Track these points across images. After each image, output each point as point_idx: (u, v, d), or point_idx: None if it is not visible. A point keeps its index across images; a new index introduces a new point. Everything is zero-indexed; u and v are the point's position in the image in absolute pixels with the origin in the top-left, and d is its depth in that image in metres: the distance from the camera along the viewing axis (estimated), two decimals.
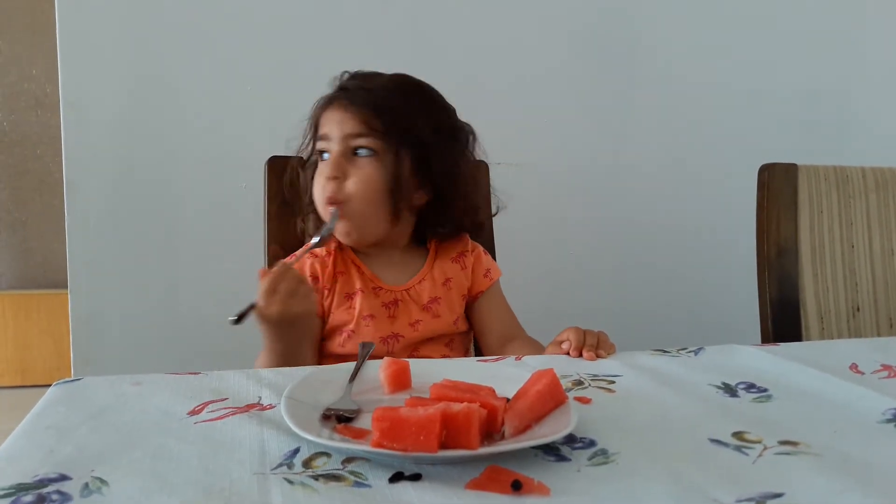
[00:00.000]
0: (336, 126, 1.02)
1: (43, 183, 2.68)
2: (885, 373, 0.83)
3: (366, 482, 0.54)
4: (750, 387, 0.77)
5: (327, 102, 1.05)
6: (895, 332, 1.31)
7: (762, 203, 1.28)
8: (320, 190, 1.03)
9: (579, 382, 0.79)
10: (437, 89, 1.10)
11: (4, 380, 2.61)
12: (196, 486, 0.53)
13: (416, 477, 0.54)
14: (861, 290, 1.30)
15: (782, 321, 1.24)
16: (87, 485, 0.53)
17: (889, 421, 0.68)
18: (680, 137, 2.02)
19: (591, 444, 0.61)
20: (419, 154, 1.03)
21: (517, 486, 0.52)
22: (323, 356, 1.09)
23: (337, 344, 1.06)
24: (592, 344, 0.90)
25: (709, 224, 2.05)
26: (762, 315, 1.26)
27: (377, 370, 0.76)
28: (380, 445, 0.55)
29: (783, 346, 0.95)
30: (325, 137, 1.04)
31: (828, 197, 1.30)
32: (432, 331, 1.08)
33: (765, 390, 0.76)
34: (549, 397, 0.64)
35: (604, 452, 0.59)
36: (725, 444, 0.61)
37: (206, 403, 0.70)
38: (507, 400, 0.64)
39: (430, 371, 0.74)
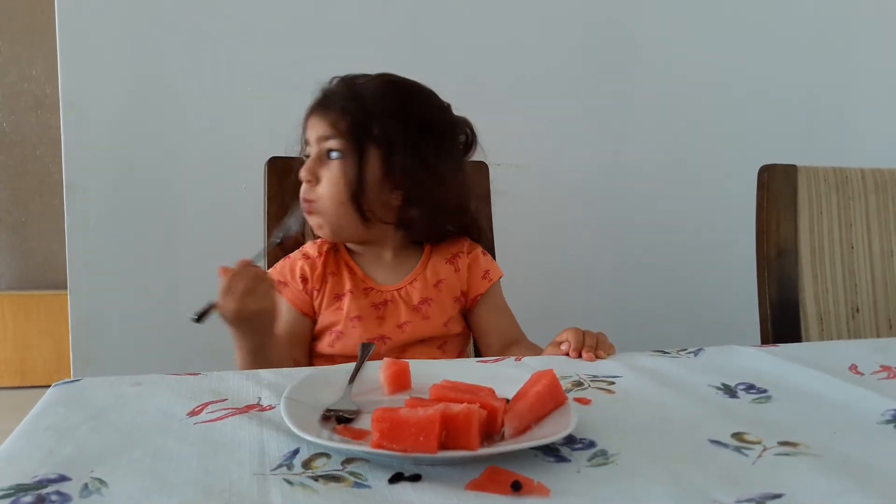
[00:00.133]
0: (313, 130, 1.05)
1: (43, 183, 2.68)
2: (885, 374, 0.83)
3: (365, 483, 0.54)
4: (749, 388, 0.77)
5: (309, 108, 1.07)
6: (895, 333, 1.31)
7: (762, 204, 1.28)
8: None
9: (579, 383, 0.79)
10: (437, 89, 1.09)
11: (4, 380, 2.61)
12: (196, 486, 0.53)
13: (415, 478, 0.54)
14: (860, 291, 1.30)
15: (782, 322, 1.24)
16: (86, 485, 0.53)
17: (888, 422, 0.68)
18: (680, 137, 2.02)
19: (591, 444, 0.61)
20: (390, 155, 1.02)
21: (517, 487, 0.52)
22: (313, 356, 1.09)
23: (326, 344, 1.07)
24: (592, 345, 0.90)
25: (708, 225, 2.05)
26: (762, 316, 1.26)
27: (377, 371, 0.76)
28: (379, 446, 0.55)
29: (783, 346, 0.95)
30: (307, 142, 1.07)
31: (827, 198, 1.30)
32: (420, 332, 1.07)
33: (764, 391, 0.76)
34: (549, 398, 0.64)
35: (603, 453, 0.59)
36: (725, 445, 0.61)
37: (206, 404, 0.70)
38: (507, 401, 0.64)
39: (429, 372, 0.74)
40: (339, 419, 0.65)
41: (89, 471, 0.55)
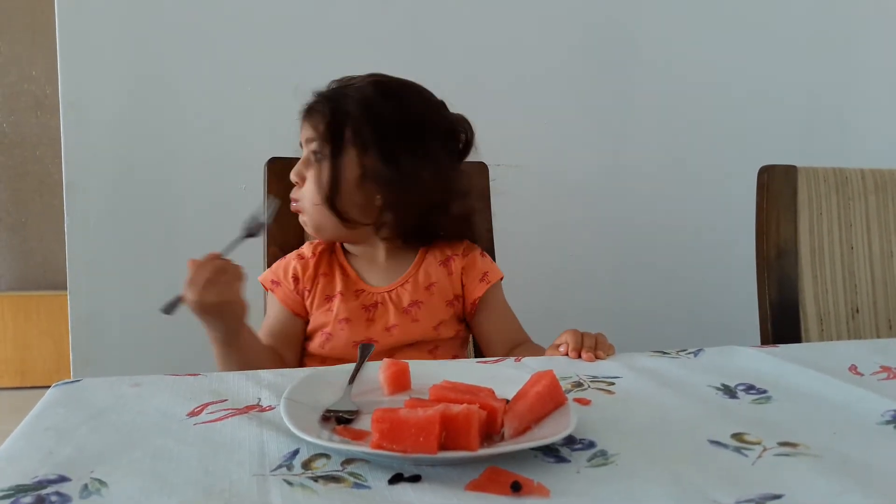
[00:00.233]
0: (302, 132, 1.07)
1: (43, 184, 2.68)
2: (885, 374, 0.83)
3: (365, 483, 0.54)
4: (749, 388, 0.77)
5: (301, 111, 1.07)
6: (894, 333, 1.31)
7: (762, 204, 1.28)
8: None
9: (579, 384, 0.79)
10: (437, 89, 1.09)
11: (4, 381, 2.61)
12: (195, 487, 0.53)
13: (415, 478, 0.54)
14: (860, 291, 1.30)
15: (782, 322, 1.24)
16: (86, 486, 0.53)
17: (888, 422, 0.68)
18: (680, 138, 2.02)
19: (591, 445, 0.61)
20: (365, 157, 1.02)
21: (517, 488, 0.52)
22: (306, 355, 1.09)
23: (318, 345, 1.07)
24: (591, 345, 0.89)
25: (708, 225, 2.05)
26: (762, 316, 1.26)
27: (377, 372, 0.76)
28: (379, 447, 0.55)
29: (783, 347, 0.95)
30: (300, 144, 1.08)
31: (827, 199, 1.30)
32: (408, 336, 1.05)
33: (764, 392, 0.76)
34: (549, 399, 0.64)
35: (603, 454, 0.59)
36: (725, 446, 0.62)
37: (206, 405, 0.70)
38: (507, 401, 0.64)
39: (429, 372, 0.74)
40: (338, 420, 0.65)
41: (89, 471, 0.55)
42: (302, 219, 1.08)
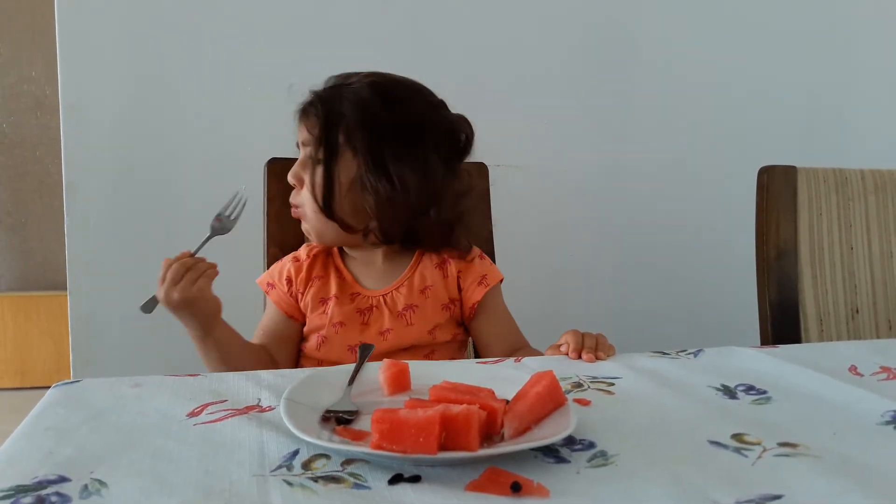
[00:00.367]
0: (299, 133, 1.05)
1: (43, 184, 2.68)
2: (885, 375, 0.83)
3: (365, 484, 0.54)
4: (749, 388, 0.77)
5: (297, 110, 1.05)
6: (894, 334, 1.31)
7: (762, 205, 1.28)
8: None
9: (579, 384, 0.79)
10: (437, 89, 1.08)
11: (4, 381, 2.61)
12: (195, 487, 0.53)
13: (415, 479, 0.54)
14: (860, 292, 1.30)
15: (781, 323, 1.24)
16: (86, 486, 0.53)
17: (888, 423, 0.68)
18: (680, 137, 2.02)
19: (591, 445, 0.61)
20: (361, 161, 1.00)
21: (516, 488, 0.52)
22: (302, 356, 1.09)
23: (313, 347, 1.06)
24: (591, 346, 0.89)
25: (708, 225, 2.05)
26: (761, 317, 1.26)
27: (377, 372, 0.76)
28: (379, 447, 0.55)
29: (782, 347, 0.95)
30: (297, 145, 1.07)
31: (827, 199, 1.30)
32: (403, 340, 1.04)
33: (764, 392, 0.76)
34: (549, 399, 0.64)
35: (603, 454, 0.59)
36: (725, 446, 0.62)
37: (206, 405, 0.70)
38: (507, 402, 0.64)
39: (429, 373, 0.74)
40: (338, 420, 0.65)
41: (89, 472, 0.55)
42: (305, 227, 1.07)
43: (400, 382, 0.74)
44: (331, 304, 1.05)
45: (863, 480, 0.55)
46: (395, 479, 0.54)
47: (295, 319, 1.09)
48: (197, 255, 0.96)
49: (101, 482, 0.53)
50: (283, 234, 1.22)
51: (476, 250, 1.12)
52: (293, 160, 1.11)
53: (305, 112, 1.03)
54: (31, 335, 2.62)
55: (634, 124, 2.00)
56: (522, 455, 0.58)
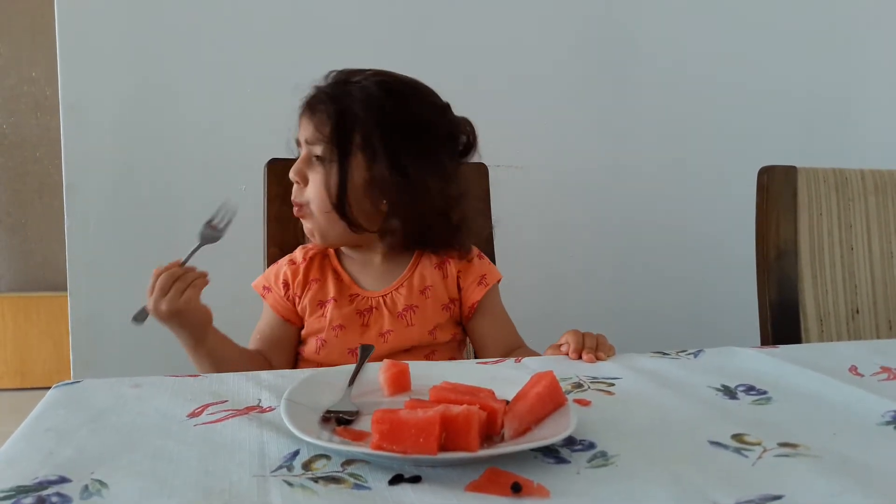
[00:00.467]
0: (302, 131, 1.03)
1: (43, 185, 2.68)
2: (885, 375, 0.83)
3: (365, 484, 0.54)
4: (749, 389, 0.77)
5: (301, 106, 1.04)
6: (894, 334, 1.31)
7: (762, 205, 1.28)
8: None
9: (579, 385, 0.79)
10: (437, 89, 1.08)
11: (4, 382, 2.61)
12: (196, 488, 0.53)
13: (415, 479, 0.54)
14: (860, 292, 1.30)
15: (782, 323, 1.24)
16: (86, 487, 0.53)
17: (888, 423, 0.68)
18: (680, 138, 2.02)
19: (591, 446, 0.61)
20: (373, 162, 0.99)
21: (517, 489, 0.52)
22: (301, 360, 1.08)
23: (312, 350, 1.06)
24: (592, 346, 0.89)
25: (708, 226, 2.05)
26: (761, 317, 1.26)
27: (377, 373, 0.76)
28: (379, 447, 0.55)
29: (782, 348, 0.95)
30: (298, 142, 1.05)
31: (827, 199, 1.30)
32: (404, 341, 1.04)
33: (764, 392, 0.76)
34: (549, 399, 0.64)
35: (603, 455, 0.59)
36: (725, 447, 0.62)
37: (206, 406, 0.70)
38: (507, 402, 0.64)
39: (429, 373, 0.74)
40: (338, 420, 0.65)
41: (89, 472, 0.55)
42: (307, 227, 1.05)
43: (400, 383, 0.74)
44: (329, 306, 1.05)
45: (863, 480, 0.55)
46: (396, 480, 0.54)
47: (292, 323, 1.08)
48: (187, 265, 0.95)
49: (101, 483, 0.53)
50: (283, 235, 1.21)
51: (475, 250, 1.12)
52: (293, 160, 1.11)
53: (312, 109, 1.01)
54: (31, 336, 2.62)
55: (634, 124, 2.00)
56: (522, 455, 0.58)
